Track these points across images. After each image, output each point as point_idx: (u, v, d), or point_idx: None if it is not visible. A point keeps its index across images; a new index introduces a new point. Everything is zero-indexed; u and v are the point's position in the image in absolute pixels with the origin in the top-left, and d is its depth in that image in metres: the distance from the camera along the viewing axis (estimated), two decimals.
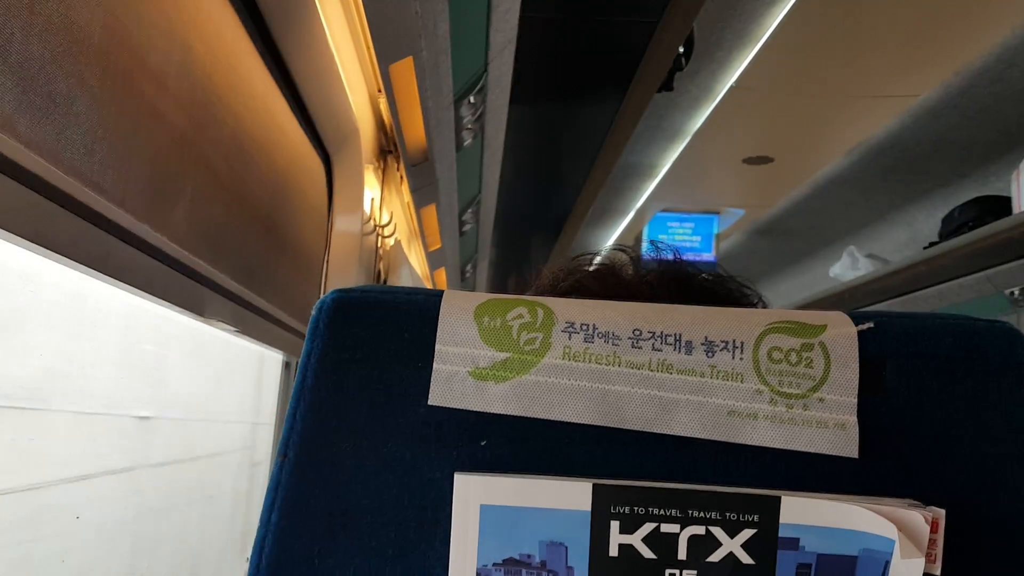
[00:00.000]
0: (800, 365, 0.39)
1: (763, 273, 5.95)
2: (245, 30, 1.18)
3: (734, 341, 0.39)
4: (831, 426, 0.38)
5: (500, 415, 0.39)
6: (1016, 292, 3.28)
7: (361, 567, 0.38)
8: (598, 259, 0.54)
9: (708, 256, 5.24)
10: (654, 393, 0.39)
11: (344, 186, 1.78)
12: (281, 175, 1.39)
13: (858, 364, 0.39)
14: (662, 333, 0.40)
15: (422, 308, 0.41)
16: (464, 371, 0.40)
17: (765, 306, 0.54)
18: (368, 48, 1.62)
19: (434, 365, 0.39)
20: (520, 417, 0.39)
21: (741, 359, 0.39)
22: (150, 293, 0.83)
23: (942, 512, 0.37)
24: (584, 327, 0.40)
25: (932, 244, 3.38)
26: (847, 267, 4.14)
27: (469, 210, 3.37)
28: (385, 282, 2.12)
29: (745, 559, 0.37)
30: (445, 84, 1.58)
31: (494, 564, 0.37)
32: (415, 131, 1.66)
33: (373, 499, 0.38)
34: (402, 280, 2.15)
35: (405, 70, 1.36)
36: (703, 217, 5.10)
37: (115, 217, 0.76)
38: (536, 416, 0.39)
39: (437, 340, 0.40)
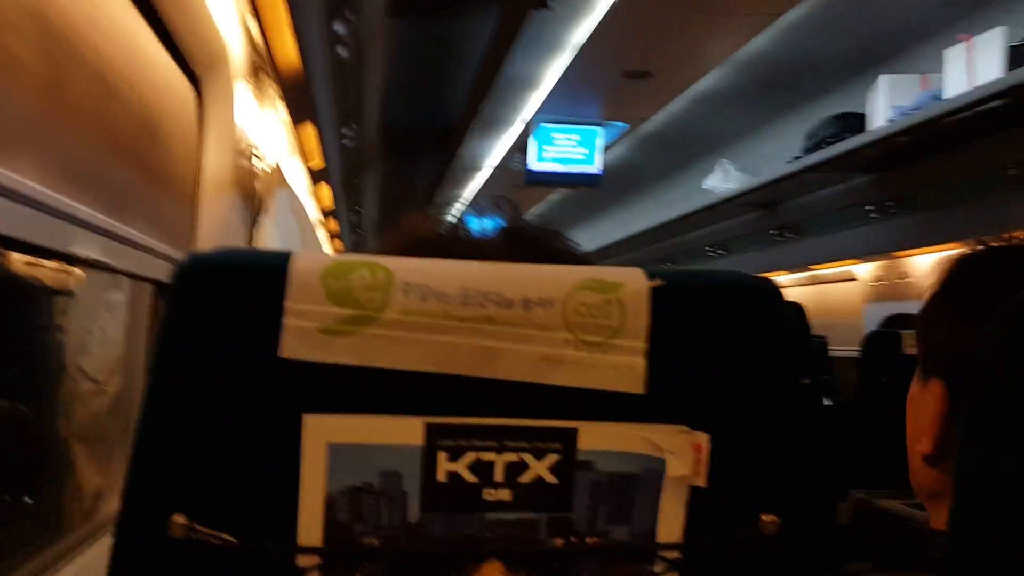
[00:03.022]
0: (600, 317, 0.46)
1: (646, 184, 6.13)
2: None
3: (547, 298, 0.46)
4: (623, 367, 0.46)
5: (346, 364, 0.45)
6: (869, 206, 3.53)
7: (221, 503, 0.43)
8: (446, 216, 0.61)
9: (593, 168, 5.36)
10: (480, 343, 0.45)
11: (214, 109, 1.74)
12: (148, 104, 1.36)
13: (647, 316, 0.46)
14: (486, 292, 0.46)
15: (272, 269, 0.45)
16: (313, 327, 0.45)
17: (585, 258, 0.61)
18: None
19: (285, 322, 0.44)
20: (363, 366, 0.45)
21: (552, 313, 0.46)
22: (14, 235, 0.84)
23: (706, 436, 0.45)
24: (419, 287, 0.46)
25: (795, 159, 3.56)
26: (720, 180, 4.33)
27: (351, 124, 3.33)
28: (261, 204, 2.11)
29: (550, 479, 0.45)
30: (316, 4, 1.56)
31: (339, 491, 0.43)
32: (286, 51, 1.64)
33: (231, 443, 0.43)
34: (279, 200, 2.14)
35: None
36: (587, 129, 5.19)
37: None
38: (378, 365, 0.45)
39: (286, 299, 0.45)
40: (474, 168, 6.29)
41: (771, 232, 4.39)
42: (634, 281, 0.47)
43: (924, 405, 0.83)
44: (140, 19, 1.34)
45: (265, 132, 2.13)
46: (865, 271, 4.01)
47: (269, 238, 2.10)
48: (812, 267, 4.35)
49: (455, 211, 0.61)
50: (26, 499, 1.37)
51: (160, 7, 1.39)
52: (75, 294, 1.60)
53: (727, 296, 0.48)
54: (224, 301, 0.45)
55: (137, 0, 1.31)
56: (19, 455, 1.36)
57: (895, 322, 2.68)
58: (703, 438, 0.45)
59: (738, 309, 0.47)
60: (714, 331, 0.47)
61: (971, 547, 0.61)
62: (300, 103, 2.03)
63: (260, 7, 1.36)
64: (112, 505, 1.56)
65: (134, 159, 1.34)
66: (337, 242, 7.07)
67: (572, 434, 0.45)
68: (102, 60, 1.13)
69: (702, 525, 0.46)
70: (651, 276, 0.47)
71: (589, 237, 6.73)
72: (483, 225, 0.60)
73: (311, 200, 4.26)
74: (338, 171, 3.96)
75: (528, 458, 0.45)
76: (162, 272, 1.54)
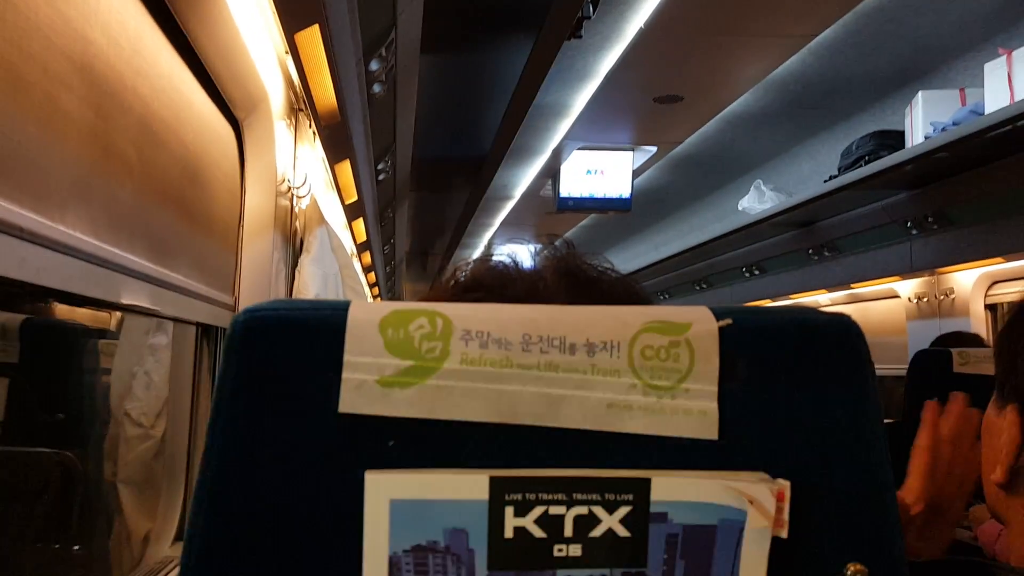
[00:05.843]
0: (668, 360, 0.44)
1: (679, 206, 6.09)
2: (148, 12, 1.17)
3: (612, 342, 0.44)
4: (695, 413, 0.44)
5: (406, 417, 0.43)
6: (910, 222, 3.46)
7: (284, 563, 0.42)
8: (496, 256, 0.59)
9: (624, 193, 5.35)
10: (543, 391, 0.44)
11: (255, 151, 1.77)
12: (191, 149, 1.39)
13: (718, 357, 0.44)
14: (549, 337, 0.44)
15: (329, 322, 0.44)
16: (372, 379, 0.44)
17: (643, 297, 0.60)
18: (273, 11, 1.60)
19: (343, 375, 0.43)
20: (424, 418, 0.43)
21: (618, 357, 0.44)
22: (68, 289, 0.84)
23: (787, 484, 0.43)
24: (479, 334, 0.45)
25: (832, 177, 3.51)
26: (754, 200, 4.29)
27: (385, 159, 3.35)
28: (302, 242, 2.13)
29: (622, 533, 0.43)
30: (353, 45, 1.57)
31: (403, 551, 0.42)
32: (324, 93, 1.66)
33: (292, 501, 0.42)
34: (318, 238, 2.16)
35: (311, 37, 1.36)
36: (618, 154, 5.18)
37: (26, 224, 0.76)
38: (439, 417, 0.43)
39: (345, 352, 0.43)
40: (506, 196, 6.31)
41: (809, 251, 4.33)
42: (702, 321, 0.45)
43: (999, 432, 0.81)
44: (184, 67, 1.36)
45: (304, 171, 2.15)
46: (908, 288, 3.93)
47: (309, 276, 2.11)
48: (852, 285, 4.27)
49: (508, 251, 0.60)
50: (76, 548, 1.37)
51: (203, 54, 1.41)
52: (117, 335, 1.62)
53: (800, 334, 0.46)
54: (281, 357, 0.44)
55: (180, 49, 1.33)
56: (67, 503, 1.36)
57: (946, 340, 2.61)
58: (784, 485, 0.43)
59: (813, 347, 0.45)
60: (788, 371, 0.45)
61: None
62: (337, 141, 2.05)
63: (299, 48, 1.38)
64: (160, 549, 1.56)
65: (177, 203, 1.36)
66: (371, 275, 7.11)
67: (645, 484, 0.43)
68: (147, 108, 1.15)
69: None
70: (719, 315, 0.45)
71: (622, 261, 6.68)
72: (536, 264, 0.58)
73: (347, 235, 4.29)
74: (373, 205, 3.99)
75: (599, 511, 0.43)
76: (206, 314, 1.55)
